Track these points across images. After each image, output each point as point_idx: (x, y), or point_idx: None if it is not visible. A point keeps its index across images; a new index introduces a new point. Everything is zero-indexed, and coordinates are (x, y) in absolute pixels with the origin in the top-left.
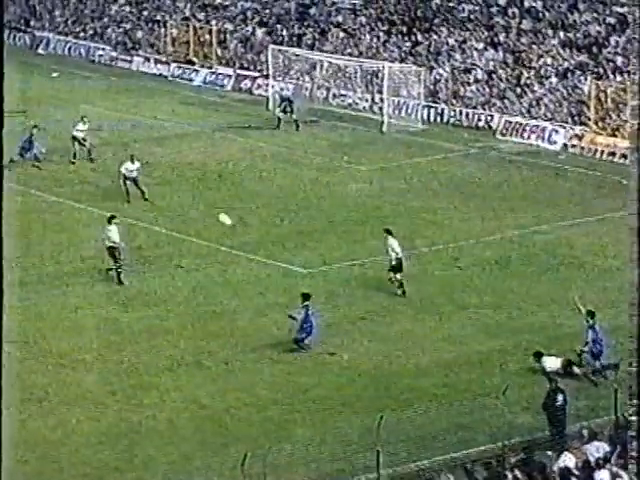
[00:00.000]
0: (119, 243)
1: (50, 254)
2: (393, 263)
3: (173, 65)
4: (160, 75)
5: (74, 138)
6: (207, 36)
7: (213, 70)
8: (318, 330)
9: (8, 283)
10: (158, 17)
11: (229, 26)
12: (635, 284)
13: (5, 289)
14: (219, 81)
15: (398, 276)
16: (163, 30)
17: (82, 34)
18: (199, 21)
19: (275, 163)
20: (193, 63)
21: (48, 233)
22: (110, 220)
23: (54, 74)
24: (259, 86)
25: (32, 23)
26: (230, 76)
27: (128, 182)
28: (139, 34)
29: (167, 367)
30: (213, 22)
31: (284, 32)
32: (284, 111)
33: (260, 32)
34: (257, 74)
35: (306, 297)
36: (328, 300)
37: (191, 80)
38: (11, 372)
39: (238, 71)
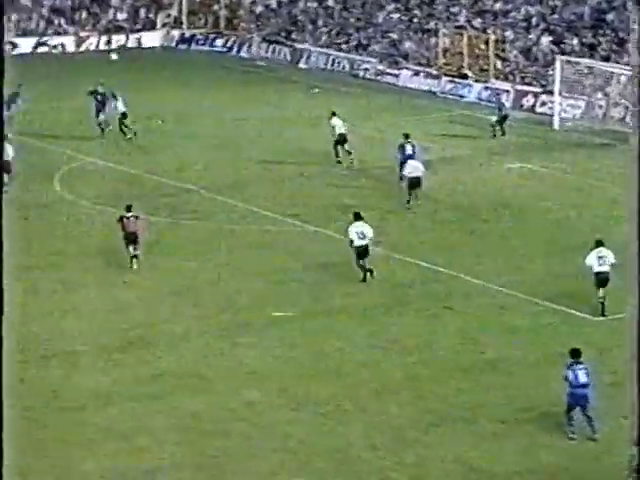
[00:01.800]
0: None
1: (306, 290)
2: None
3: (444, 79)
4: (429, 91)
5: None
6: (483, 46)
7: (489, 85)
8: (593, 392)
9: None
10: (429, 25)
11: (509, 34)
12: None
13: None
14: (495, 98)
15: (601, 292)
16: (434, 40)
17: (345, 46)
18: (475, 29)
19: (560, 191)
20: (467, 77)
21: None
22: (357, 216)
23: (314, 90)
24: (543, 103)
25: (293, 35)
26: (508, 92)
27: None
28: (407, 45)
29: (432, 422)
30: (490, 30)
31: (574, 41)
32: (499, 121)
33: (546, 41)
34: (540, 90)
35: (575, 354)
36: (621, 354)
37: (463, 96)
38: (261, 419)
39: (518, 86)
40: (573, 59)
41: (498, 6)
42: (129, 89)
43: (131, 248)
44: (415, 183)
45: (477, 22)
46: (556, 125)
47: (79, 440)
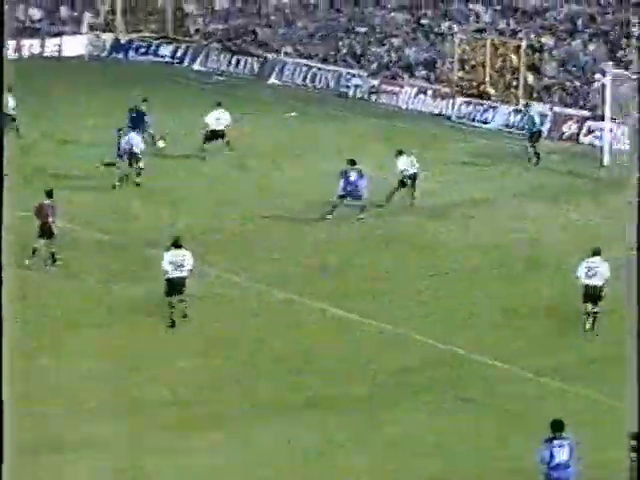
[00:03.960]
0: None
1: None
2: None
3: (459, 100)
4: (439, 114)
5: None
6: (513, 56)
7: (519, 107)
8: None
9: None
10: (441, 28)
11: (547, 41)
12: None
13: None
14: (528, 124)
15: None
16: (447, 47)
17: (330, 55)
18: (500, 34)
19: (610, 243)
20: (489, 97)
21: None
22: (176, 244)
23: (289, 114)
24: (590, 131)
25: (263, 42)
26: (545, 116)
27: None
28: (411, 53)
29: None
30: (522, 34)
31: (632, 50)
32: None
33: (595, 50)
34: (587, 113)
35: (556, 427)
36: None
37: (486, 122)
38: None
39: (557, 109)
40: (629, 72)
41: (532, 4)
42: (43, 111)
43: (43, 242)
44: (412, 178)
45: (504, 24)
46: (606, 160)
47: None
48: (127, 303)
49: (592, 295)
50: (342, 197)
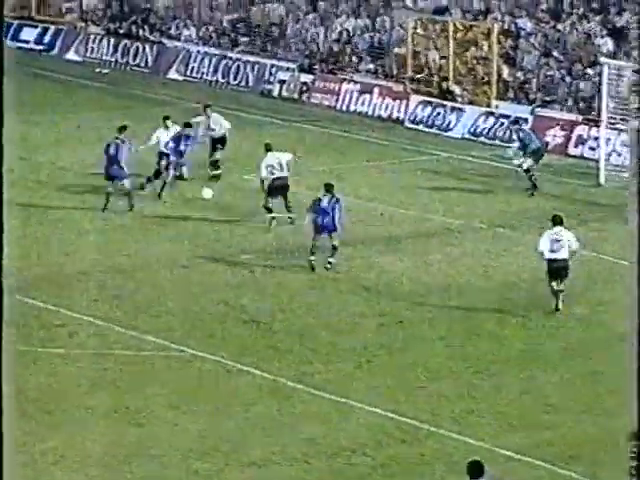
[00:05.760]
0: None
1: None
2: None
3: (414, 99)
4: (390, 118)
5: None
6: (482, 43)
7: (490, 109)
8: None
9: None
10: (389, 10)
11: (524, 23)
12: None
13: None
14: (502, 131)
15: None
16: (397, 33)
17: (248, 43)
18: (466, 13)
19: (614, 284)
20: (452, 95)
21: None
22: None
23: (195, 118)
24: (581, 141)
25: (159, 25)
26: (525, 120)
27: None
28: (353, 42)
29: None
30: (495, 16)
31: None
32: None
33: (590, 32)
34: (577, 117)
35: None
36: None
37: (448, 128)
38: None
39: (540, 111)
40: (624, 62)
41: None
42: None
43: None
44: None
45: (470, 2)
46: (602, 178)
47: None
48: None
49: (557, 270)
50: (318, 233)
